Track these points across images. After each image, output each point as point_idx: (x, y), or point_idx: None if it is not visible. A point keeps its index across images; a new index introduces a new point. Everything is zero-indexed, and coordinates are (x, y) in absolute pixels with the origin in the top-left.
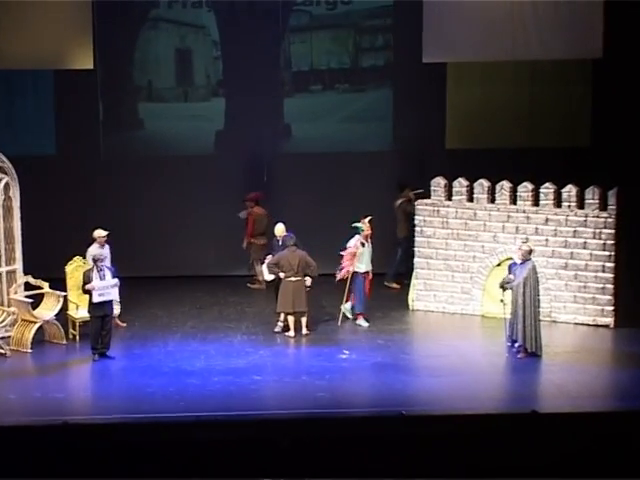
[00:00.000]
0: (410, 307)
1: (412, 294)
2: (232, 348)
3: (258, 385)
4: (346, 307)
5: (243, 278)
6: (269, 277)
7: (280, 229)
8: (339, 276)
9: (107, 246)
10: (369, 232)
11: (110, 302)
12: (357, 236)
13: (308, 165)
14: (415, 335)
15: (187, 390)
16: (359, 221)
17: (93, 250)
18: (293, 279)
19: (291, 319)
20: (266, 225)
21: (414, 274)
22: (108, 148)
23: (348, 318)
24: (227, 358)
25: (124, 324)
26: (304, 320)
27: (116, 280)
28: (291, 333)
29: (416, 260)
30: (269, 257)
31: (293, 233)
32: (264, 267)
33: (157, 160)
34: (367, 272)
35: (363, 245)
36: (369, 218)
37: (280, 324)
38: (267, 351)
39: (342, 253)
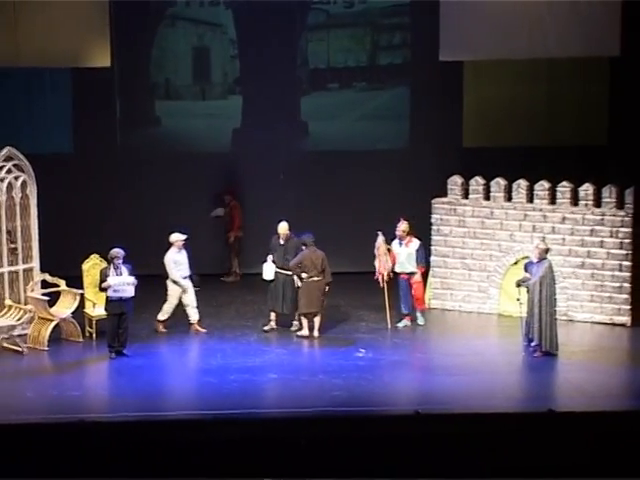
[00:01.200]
0: (426, 305)
1: (429, 293)
2: (249, 346)
3: (275, 383)
4: (399, 324)
5: (256, 276)
6: (270, 277)
7: (284, 227)
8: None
9: (184, 250)
10: (400, 233)
11: (128, 300)
12: (380, 236)
13: (325, 163)
14: (431, 334)
15: (204, 388)
16: (399, 220)
17: (172, 255)
18: (316, 279)
19: (305, 319)
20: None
21: (431, 273)
22: (125, 146)
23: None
24: (244, 356)
25: (204, 330)
26: (317, 321)
27: (133, 278)
28: (305, 332)
29: (432, 259)
30: (270, 257)
31: (310, 232)
32: (266, 266)
33: (174, 158)
34: (404, 273)
35: (400, 245)
36: (405, 224)
37: (296, 323)
38: (284, 349)
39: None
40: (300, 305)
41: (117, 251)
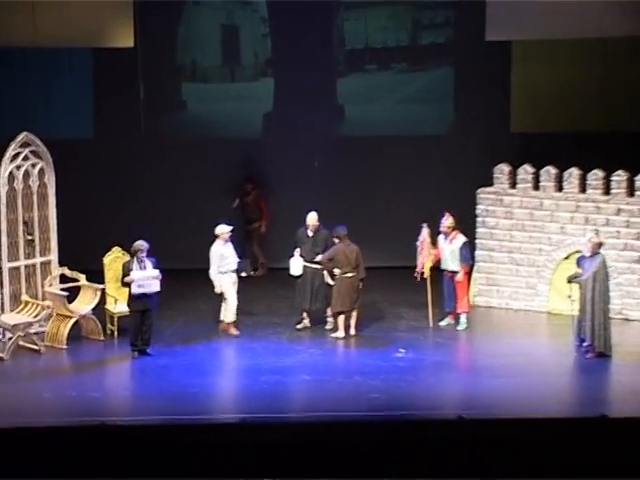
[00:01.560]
0: (471, 302)
1: (473, 289)
2: (280, 346)
3: (308, 385)
4: (442, 323)
5: (285, 270)
6: (298, 272)
7: (313, 218)
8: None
9: (230, 243)
10: (444, 229)
11: (152, 296)
12: (425, 228)
13: (362, 150)
14: (476, 333)
15: (232, 390)
16: (444, 215)
17: (218, 247)
18: (350, 275)
19: (341, 319)
20: None
21: (475, 268)
22: (149, 131)
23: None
24: (275, 356)
25: (237, 332)
26: (354, 318)
27: (157, 272)
28: (340, 333)
29: (477, 253)
30: (297, 250)
31: (343, 225)
32: (294, 260)
33: (201, 144)
34: (447, 270)
35: (445, 240)
36: (450, 219)
37: (330, 320)
38: (317, 349)
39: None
40: (333, 304)
41: (140, 243)
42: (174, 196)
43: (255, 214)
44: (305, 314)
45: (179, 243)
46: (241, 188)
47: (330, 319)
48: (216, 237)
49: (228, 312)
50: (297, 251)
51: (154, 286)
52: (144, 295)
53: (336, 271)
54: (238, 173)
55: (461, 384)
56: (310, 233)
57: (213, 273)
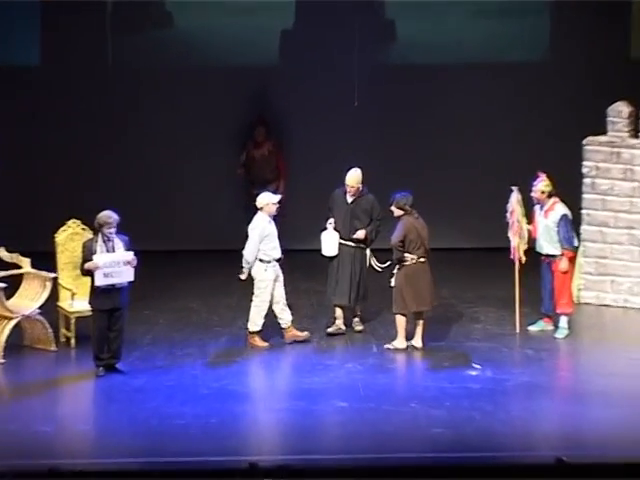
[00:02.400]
0: (575, 299)
1: (577, 280)
2: (305, 360)
3: (344, 415)
4: (533, 327)
5: (310, 254)
6: (332, 251)
7: (354, 178)
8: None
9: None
10: (537, 195)
11: (123, 289)
12: (515, 193)
13: (420, 82)
14: (582, 342)
15: (237, 422)
16: (537, 176)
17: (262, 223)
18: (423, 259)
19: (402, 322)
20: None
21: (581, 250)
22: (119, 57)
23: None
24: (297, 375)
25: (304, 334)
26: (420, 326)
27: (131, 254)
28: (401, 344)
29: (584, 228)
30: (331, 222)
31: (394, 187)
32: (327, 235)
33: (192, 75)
34: (546, 255)
35: (540, 211)
36: (544, 181)
37: (357, 320)
38: (357, 364)
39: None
40: (400, 302)
41: (108, 215)
42: (154, 148)
43: (269, 172)
44: (339, 312)
45: (160, 215)
46: (249, 136)
47: (357, 319)
48: (256, 210)
49: (253, 317)
50: (331, 223)
51: (126, 275)
52: (112, 288)
53: (407, 256)
54: (246, 114)
55: (560, 415)
56: (350, 198)
57: (250, 255)
